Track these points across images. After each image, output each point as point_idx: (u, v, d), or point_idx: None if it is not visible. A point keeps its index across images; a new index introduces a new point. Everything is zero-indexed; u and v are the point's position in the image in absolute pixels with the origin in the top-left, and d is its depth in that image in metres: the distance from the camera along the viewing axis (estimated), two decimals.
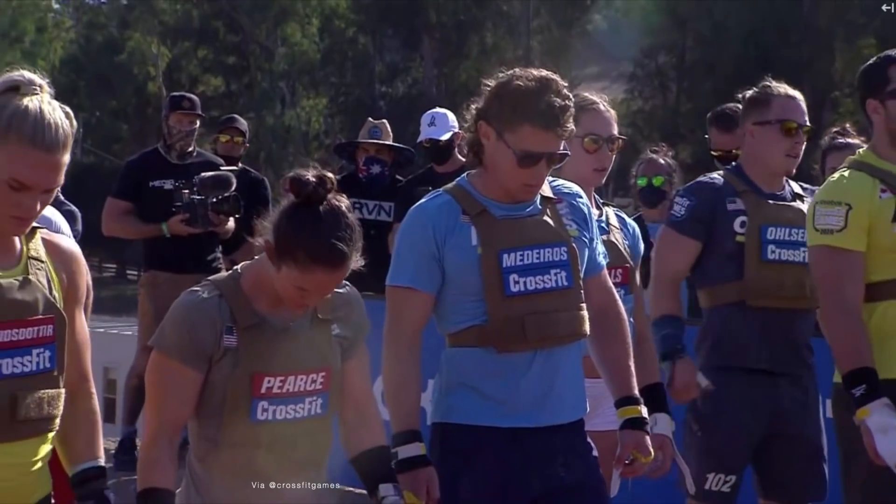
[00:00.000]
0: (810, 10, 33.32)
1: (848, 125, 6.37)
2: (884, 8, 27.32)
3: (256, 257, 3.24)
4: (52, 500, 3.16)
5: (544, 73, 3.57)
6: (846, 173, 4.22)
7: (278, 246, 3.08)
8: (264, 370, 3.17)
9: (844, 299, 4.09)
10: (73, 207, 5.67)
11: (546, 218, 3.64)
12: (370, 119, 8.48)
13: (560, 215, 3.67)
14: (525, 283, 3.55)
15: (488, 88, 3.60)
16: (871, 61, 4.33)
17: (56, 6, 42.50)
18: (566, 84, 3.57)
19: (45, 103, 2.89)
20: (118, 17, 40.91)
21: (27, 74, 2.92)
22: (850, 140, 5.82)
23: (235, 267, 3.28)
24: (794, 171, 4.79)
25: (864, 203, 4.12)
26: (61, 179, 2.91)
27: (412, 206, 3.73)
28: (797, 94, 4.74)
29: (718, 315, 4.68)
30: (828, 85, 32.56)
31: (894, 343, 4.10)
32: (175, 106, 8.43)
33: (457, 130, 7.39)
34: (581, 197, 3.77)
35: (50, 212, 4.34)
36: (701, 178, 4.91)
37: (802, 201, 4.69)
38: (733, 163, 4.93)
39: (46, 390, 2.98)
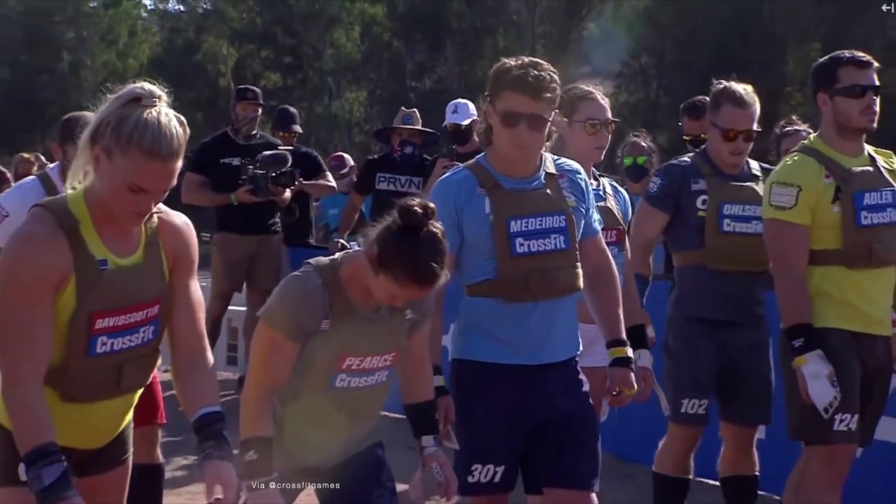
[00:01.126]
0: (769, 19, 33.08)
1: (795, 116, 6.40)
2: (884, 8, 25.13)
3: (356, 251, 3.18)
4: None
5: (533, 59, 3.55)
6: (798, 158, 4.20)
7: (380, 259, 3.02)
8: (348, 352, 3.15)
9: (791, 266, 4.11)
10: None
11: (548, 191, 3.60)
12: (403, 108, 8.47)
13: (561, 188, 3.63)
14: (529, 245, 3.53)
15: (490, 74, 3.61)
16: (823, 59, 4.29)
17: (144, 15, 42.52)
18: (553, 70, 3.53)
19: (163, 115, 2.74)
20: (195, 24, 40.86)
21: (147, 86, 2.78)
22: (797, 127, 5.86)
23: (335, 256, 3.21)
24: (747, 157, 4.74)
25: (812, 186, 4.11)
26: (174, 181, 2.78)
27: (439, 179, 3.72)
28: (747, 98, 4.60)
29: (685, 274, 4.68)
30: (782, 82, 32.39)
31: (830, 299, 4.12)
32: (241, 97, 8.47)
33: (475, 117, 7.41)
34: (580, 173, 3.74)
35: None
36: (672, 161, 4.90)
37: (758, 182, 4.64)
38: (702, 146, 4.89)
39: (146, 357, 2.95)
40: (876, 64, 4.16)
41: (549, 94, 3.50)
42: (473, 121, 7.41)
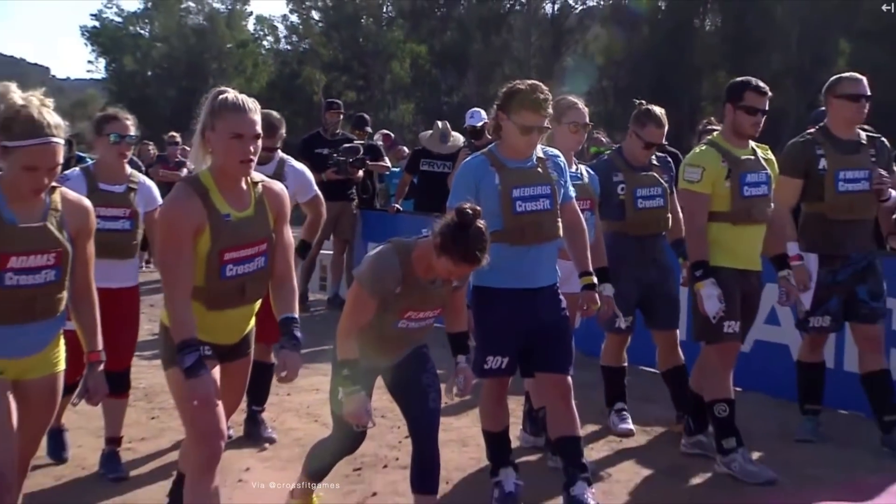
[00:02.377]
0: (689, 55, 32.71)
1: (713, 118, 6.36)
2: (884, 8, 22.05)
3: (426, 238, 3.08)
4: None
5: (533, 81, 3.51)
6: (703, 148, 4.22)
7: (442, 246, 2.96)
8: (410, 308, 3.12)
9: (696, 221, 4.13)
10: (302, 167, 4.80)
11: (539, 169, 3.55)
12: (438, 123, 8.50)
13: (547, 167, 3.58)
14: (525, 206, 3.49)
15: (503, 91, 3.54)
16: (737, 80, 4.23)
17: (263, 52, 42.40)
18: (547, 88, 3.49)
19: (237, 93, 2.86)
20: (297, 58, 40.70)
21: (224, 87, 2.89)
22: (713, 127, 5.80)
23: (410, 238, 3.13)
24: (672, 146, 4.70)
25: (713, 167, 4.12)
26: (260, 130, 2.84)
27: (463, 162, 3.66)
28: (663, 120, 4.57)
29: (612, 238, 4.59)
30: (698, 98, 32.20)
31: (720, 246, 4.13)
32: (329, 107, 8.49)
33: (486, 120, 7.43)
34: (560, 157, 3.68)
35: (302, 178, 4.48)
36: (600, 158, 4.87)
37: (654, 168, 4.66)
38: (618, 146, 4.85)
39: (261, 279, 2.95)
40: (770, 94, 4.12)
41: (549, 109, 3.49)
42: (484, 123, 7.46)
